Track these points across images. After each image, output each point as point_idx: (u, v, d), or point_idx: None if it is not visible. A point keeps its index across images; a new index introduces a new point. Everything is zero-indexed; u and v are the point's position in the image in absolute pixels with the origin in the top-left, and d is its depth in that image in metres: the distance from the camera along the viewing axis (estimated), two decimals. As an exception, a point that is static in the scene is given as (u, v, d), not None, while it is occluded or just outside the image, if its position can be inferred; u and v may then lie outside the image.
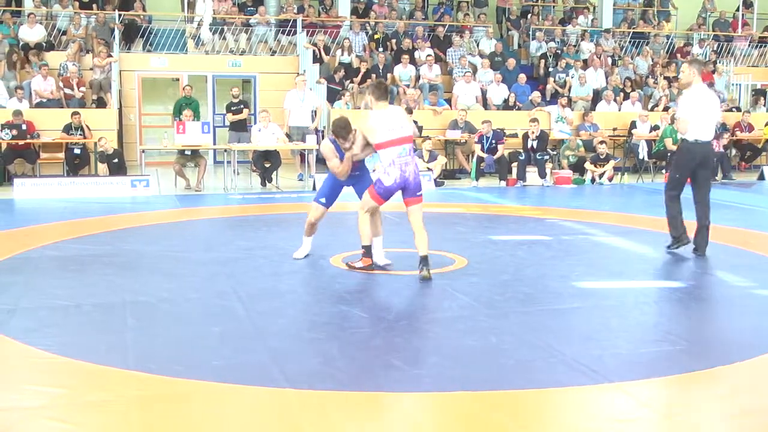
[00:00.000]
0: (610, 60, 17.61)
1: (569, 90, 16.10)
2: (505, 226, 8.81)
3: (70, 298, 5.23)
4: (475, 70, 15.98)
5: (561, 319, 4.94)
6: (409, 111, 12.64)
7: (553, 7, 20.48)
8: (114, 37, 15.30)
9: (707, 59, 18.47)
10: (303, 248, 6.65)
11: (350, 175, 6.25)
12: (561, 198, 11.46)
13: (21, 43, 14.81)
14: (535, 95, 15.33)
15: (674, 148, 10.47)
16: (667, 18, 20.48)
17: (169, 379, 3.73)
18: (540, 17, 19.29)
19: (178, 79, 16.36)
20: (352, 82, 15.04)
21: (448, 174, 13.85)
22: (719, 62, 18.46)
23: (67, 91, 13.79)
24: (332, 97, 14.61)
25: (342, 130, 6.04)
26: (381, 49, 16.22)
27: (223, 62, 16.13)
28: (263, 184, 12.43)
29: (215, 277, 5.97)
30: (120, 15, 15.85)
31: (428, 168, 12.65)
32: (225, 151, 12.61)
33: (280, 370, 3.85)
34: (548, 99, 15.86)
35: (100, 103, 14.16)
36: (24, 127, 12.34)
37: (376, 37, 16.60)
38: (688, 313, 5.28)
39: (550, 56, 17.07)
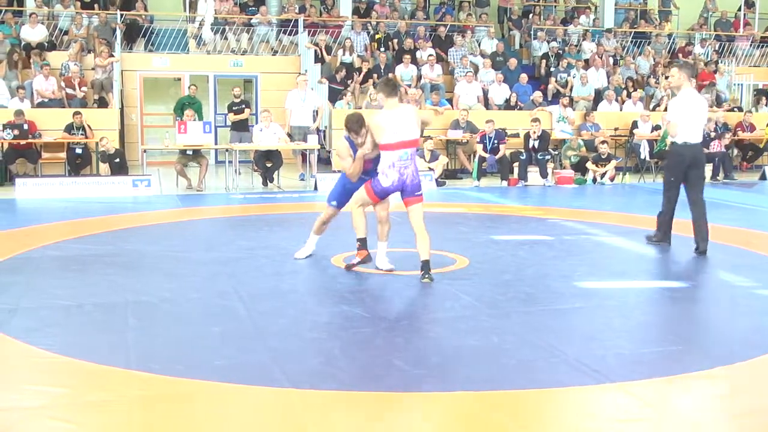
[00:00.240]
0: (611, 60, 17.60)
1: (571, 90, 16.09)
2: (507, 226, 8.80)
3: (72, 297, 5.23)
4: (476, 69, 15.98)
5: (563, 319, 4.93)
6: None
7: (555, 6, 20.48)
8: (116, 37, 15.29)
9: (709, 59, 18.47)
10: (306, 248, 6.62)
11: (361, 179, 6.20)
12: (562, 198, 11.45)
13: (23, 42, 14.82)
14: (537, 95, 15.32)
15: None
16: (667, 17, 20.46)
17: (170, 378, 3.72)
18: (541, 17, 19.29)
19: (179, 79, 16.37)
20: (353, 81, 15.04)
21: (450, 174, 13.85)
22: (721, 62, 18.45)
23: (69, 90, 13.81)
24: (334, 96, 14.61)
25: (355, 124, 5.99)
26: (382, 49, 16.21)
27: (225, 62, 16.13)
28: (265, 183, 12.43)
29: (216, 277, 5.97)
30: (122, 15, 15.86)
31: (430, 168, 12.65)
32: (226, 150, 12.61)
33: (282, 370, 3.85)
34: (550, 99, 15.86)
35: (102, 103, 14.16)
36: (26, 126, 12.34)
37: (377, 36, 16.60)
38: (689, 313, 5.27)
39: (552, 56, 17.06)
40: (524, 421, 3.36)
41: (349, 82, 14.99)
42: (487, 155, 13.22)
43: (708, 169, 14.13)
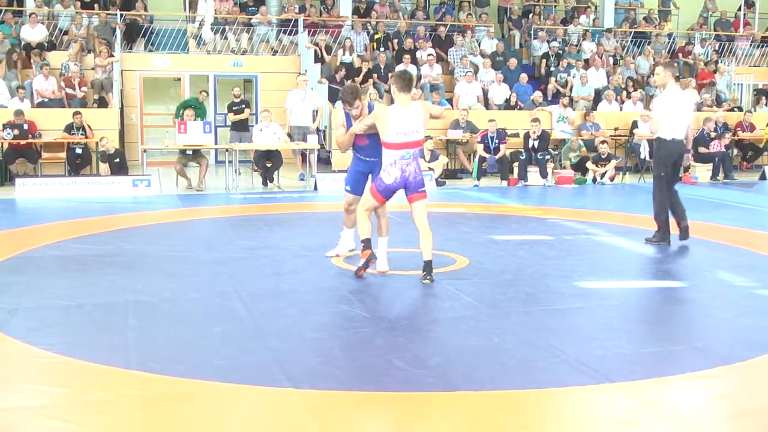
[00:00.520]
0: (611, 59, 17.61)
1: (571, 90, 16.09)
2: (507, 226, 8.80)
3: (72, 297, 5.24)
4: (476, 69, 15.98)
5: (563, 319, 4.93)
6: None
7: (555, 6, 20.48)
8: (115, 37, 15.30)
9: (709, 59, 18.47)
10: (341, 245, 6.63)
11: (367, 162, 6.21)
12: (563, 198, 11.45)
13: (23, 42, 14.83)
14: (537, 95, 15.33)
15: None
16: (667, 17, 20.46)
17: (170, 378, 3.72)
18: (541, 17, 19.30)
19: (179, 79, 16.37)
20: (353, 81, 15.03)
21: (450, 174, 13.85)
22: (721, 62, 18.45)
23: (69, 90, 13.81)
24: (333, 96, 14.58)
25: (349, 95, 6.05)
26: (382, 49, 16.22)
27: (225, 62, 16.14)
28: (264, 183, 12.43)
29: (216, 277, 5.97)
30: (122, 15, 15.87)
31: (430, 168, 12.64)
32: (226, 150, 12.61)
33: (282, 370, 3.85)
34: (550, 99, 15.86)
35: (102, 103, 14.16)
36: (26, 126, 12.34)
37: (377, 36, 16.60)
38: (689, 313, 5.28)
39: (552, 56, 17.07)
40: (524, 421, 3.36)
41: (348, 82, 14.98)
42: (487, 155, 13.22)
43: (708, 169, 14.21)
